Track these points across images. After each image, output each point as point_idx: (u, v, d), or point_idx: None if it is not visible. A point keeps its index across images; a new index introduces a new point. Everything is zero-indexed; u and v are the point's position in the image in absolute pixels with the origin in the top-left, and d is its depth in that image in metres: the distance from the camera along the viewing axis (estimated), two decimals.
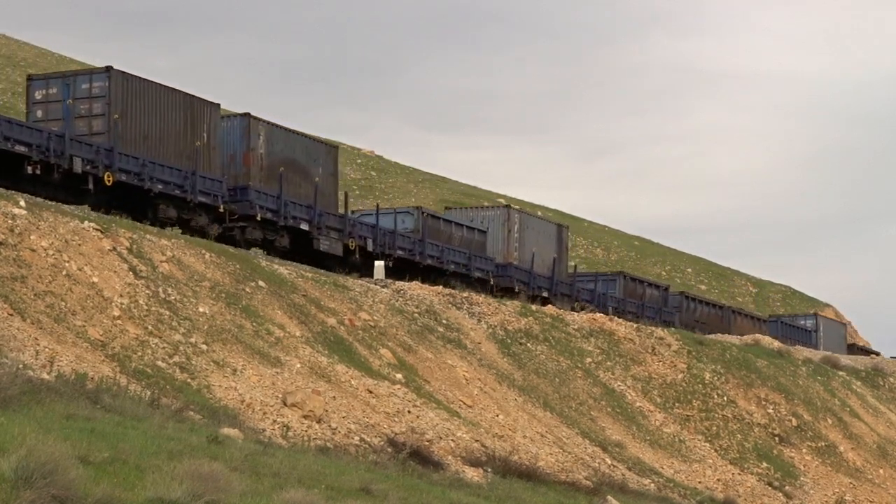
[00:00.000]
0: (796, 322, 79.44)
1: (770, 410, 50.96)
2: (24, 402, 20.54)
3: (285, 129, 46.05)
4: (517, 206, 65.58)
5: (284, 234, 44.60)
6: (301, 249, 44.97)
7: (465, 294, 46.45)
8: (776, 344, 61.93)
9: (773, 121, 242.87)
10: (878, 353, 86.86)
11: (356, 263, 47.03)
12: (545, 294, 56.46)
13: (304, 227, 45.28)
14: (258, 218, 43.27)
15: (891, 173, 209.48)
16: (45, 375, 23.65)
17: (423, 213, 52.86)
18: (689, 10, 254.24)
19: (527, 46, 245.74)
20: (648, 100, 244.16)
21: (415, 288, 44.25)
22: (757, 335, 64.42)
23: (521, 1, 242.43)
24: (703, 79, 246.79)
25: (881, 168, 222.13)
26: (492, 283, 53.47)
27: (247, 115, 44.58)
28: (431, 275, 50.40)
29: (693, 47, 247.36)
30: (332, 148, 49.80)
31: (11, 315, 26.49)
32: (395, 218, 51.35)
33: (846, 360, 66.71)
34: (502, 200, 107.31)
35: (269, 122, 45.14)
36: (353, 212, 52.50)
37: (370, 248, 48.04)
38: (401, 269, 48.80)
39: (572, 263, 72.76)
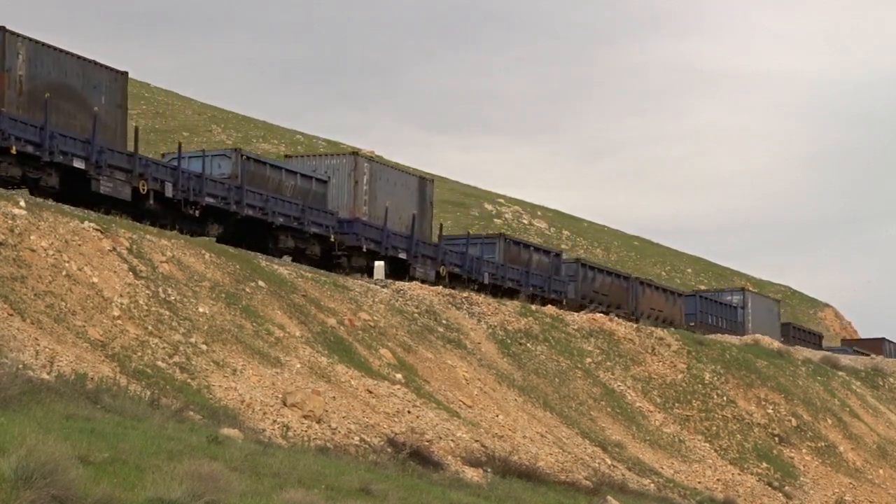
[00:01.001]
0: (720, 298, 73.06)
1: (770, 410, 50.96)
2: (24, 402, 20.53)
3: (55, 48, 38.93)
4: (368, 156, 57.94)
5: (52, 172, 37.70)
6: (76, 192, 38.09)
7: (465, 294, 46.43)
8: (776, 344, 61.93)
9: (772, 121, 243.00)
10: (821, 336, 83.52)
11: (153, 211, 40.17)
12: (402, 255, 49.37)
13: (79, 164, 38.39)
14: (13, 151, 36.49)
15: (890, 173, 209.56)
16: (45, 375, 23.65)
17: (242, 155, 45.29)
18: (689, 11, 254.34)
19: (526, 47, 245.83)
20: (648, 100, 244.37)
21: (415, 288, 44.25)
22: (757, 335, 64.47)
23: (521, 1, 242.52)
24: (702, 79, 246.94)
25: (881, 168, 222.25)
26: (333, 240, 46.82)
27: (1, 28, 37.26)
28: (257, 230, 44.18)
29: (693, 47, 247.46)
30: (119, 74, 41.13)
31: (11, 315, 26.49)
32: (204, 161, 43.93)
33: (846, 360, 66.70)
34: (502, 200, 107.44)
35: (32, 40, 38.11)
36: (163, 155, 46.46)
37: (169, 193, 41.02)
38: (214, 220, 42.56)
39: (447, 224, 68.23)
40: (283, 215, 44.98)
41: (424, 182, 53.29)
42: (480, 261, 53.38)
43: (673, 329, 56.72)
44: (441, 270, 50.35)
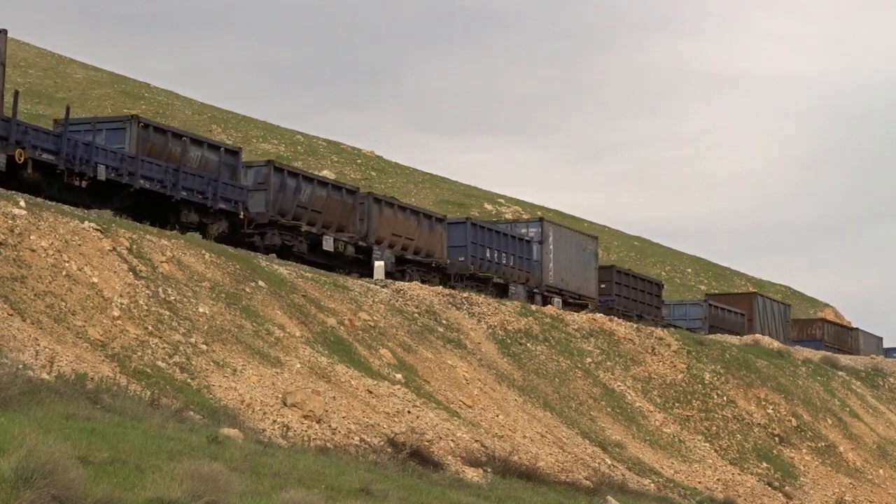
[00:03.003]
0: (512, 230, 56.27)
1: (770, 410, 50.96)
2: (24, 402, 20.53)
3: None
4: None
5: None
6: None
7: (466, 294, 46.44)
8: (776, 344, 61.95)
9: (772, 123, 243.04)
10: (660, 283, 70.34)
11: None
12: None
13: None
14: None
15: (889, 175, 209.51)
16: (45, 375, 23.65)
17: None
18: (690, 13, 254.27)
19: (527, 48, 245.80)
20: (649, 101, 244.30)
21: (415, 288, 44.25)
22: (757, 335, 64.53)
23: (522, 2, 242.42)
24: (703, 81, 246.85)
25: (880, 170, 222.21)
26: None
27: None
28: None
29: (693, 50, 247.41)
30: None
31: (11, 315, 26.49)
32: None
33: (846, 360, 66.72)
34: (502, 200, 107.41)
35: None
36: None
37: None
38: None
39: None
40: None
41: None
42: (93, 149, 38.80)
43: (673, 329, 56.73)
44: (18, 155, 36.46)
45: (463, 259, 52.67)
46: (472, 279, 52.25)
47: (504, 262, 54.59)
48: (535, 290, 55.89)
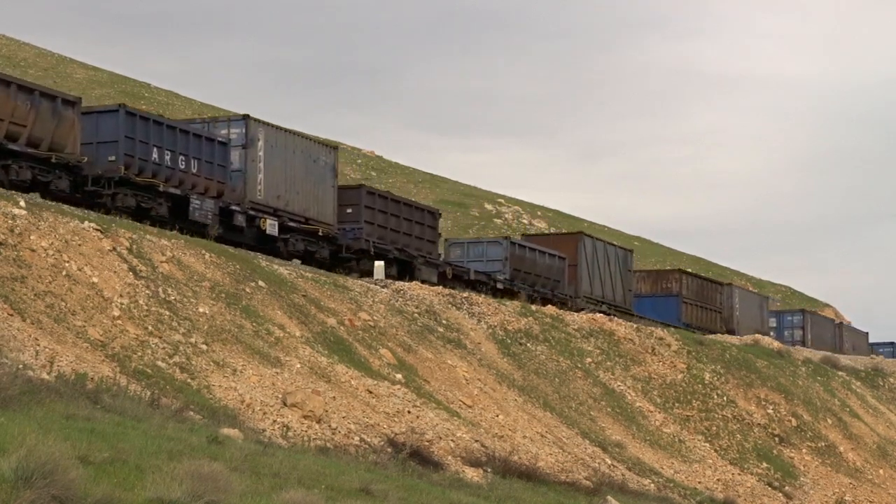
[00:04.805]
0: (211, 130, 44.15)
1: (770, 410, 50.97)
2: (24, 402, 20.53)
3: None
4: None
5: None
6: None
7: (465, 294, 46.46)
8: (776, 344, 61.95)
9: (772, 123, 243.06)
10: (435, 212, 54.66)
11: None
12: None
13: None
14: None
15: (889, 175, 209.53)
16: (45, 375, 23.65)
17: None
18: (690, 14, 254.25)
19: (527, 48, 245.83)
20: (649, 102, 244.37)
21: (415, 288, 44.27)
22: (757, 335, 64.48)
23: (522, 3, 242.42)
24: (703, 81, 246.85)
25: (879, 170, 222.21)
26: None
27: None
28: None
29: (693, 50, 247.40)
30: None
31: (11, 315, 26.49)
32: None
33: (846, 359, 66.73)
34: (502, 201, 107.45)
35: None
36: None
37: None
38: None
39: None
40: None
41: None
42: None
43: (674, 328, 56.71)
44: None
45: (113, 158, 39.39)
46: (125, 185, 39.23)
47: (182, 166, 41.35)
48: (235, 208, 42.74)
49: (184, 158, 41.36)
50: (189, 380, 28.31)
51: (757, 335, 64.58)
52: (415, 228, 51.21)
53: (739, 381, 51.84)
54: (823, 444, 50.97)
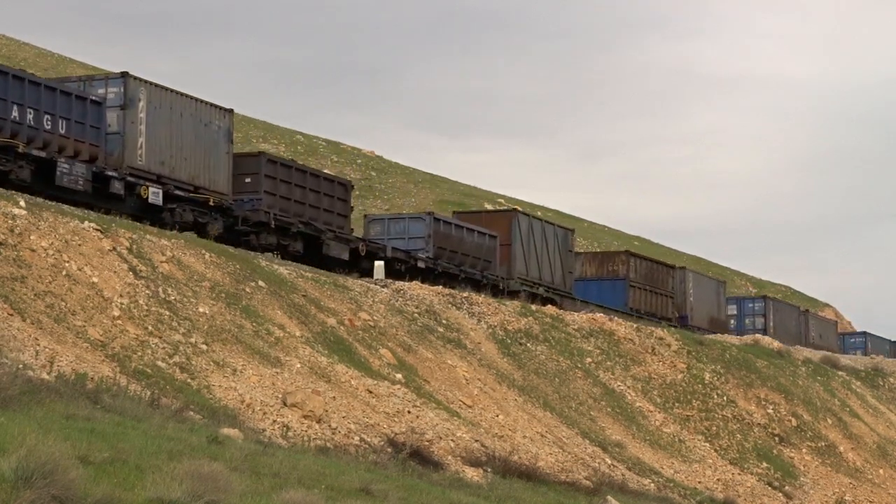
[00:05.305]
0: (88, 89, 40.24)
1: (770, 410, 50.97)
2: (24, 402, 20.54)
3: None
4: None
5: None
6: None
7: (465, 294, 46.45)
8: (776, 344, 61.94)
9: (772, 123, 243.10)
10: (347, 183, 49.17)
11: None
12: None
13: None
14: None
15: (889, 175, 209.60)
16: (45, 375, 23.65)
17: None
18: (689, 14, 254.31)
19: (527, 49, 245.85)
20: (649, 102, 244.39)
21: (415, 288, 44.27)
22: (757, 335, 64.46)
23: (521, 3, 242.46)
24: (703, 82, 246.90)
25: (880, 170, 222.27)
26: None
27: None
28: None
29: (693, 50, 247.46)
30: None
31: (11, 315, 26.50)
32: None
33: (846, 359, 66.73)
34: (502, 201, 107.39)
35: None
36: None
37: None
38: None
39: None
40: None
41: None
42: None
43: (673, 328, 56.67)
44: None
45: None
46: None
47: (48, 127, 37.80)
48: (112, 173, 39.24)
49: (49, 118, 37.90)
50: (189, 380, 28.32)
51: (756, 335, 64.54)
52: (323, 201, 46.98)
53: (739, 381, 51.84)
54: (823, 443, 50.97)
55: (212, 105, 43.62)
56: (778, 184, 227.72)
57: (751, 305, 77.85)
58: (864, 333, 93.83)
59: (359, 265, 46.95)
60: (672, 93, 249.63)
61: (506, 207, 64.27)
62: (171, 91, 41.95)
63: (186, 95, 42.64)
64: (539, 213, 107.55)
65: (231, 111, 44.22)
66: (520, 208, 62.25)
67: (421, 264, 50.36)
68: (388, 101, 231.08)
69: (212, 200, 42.30)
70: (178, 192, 41.20)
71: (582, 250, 77.98)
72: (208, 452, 19.88)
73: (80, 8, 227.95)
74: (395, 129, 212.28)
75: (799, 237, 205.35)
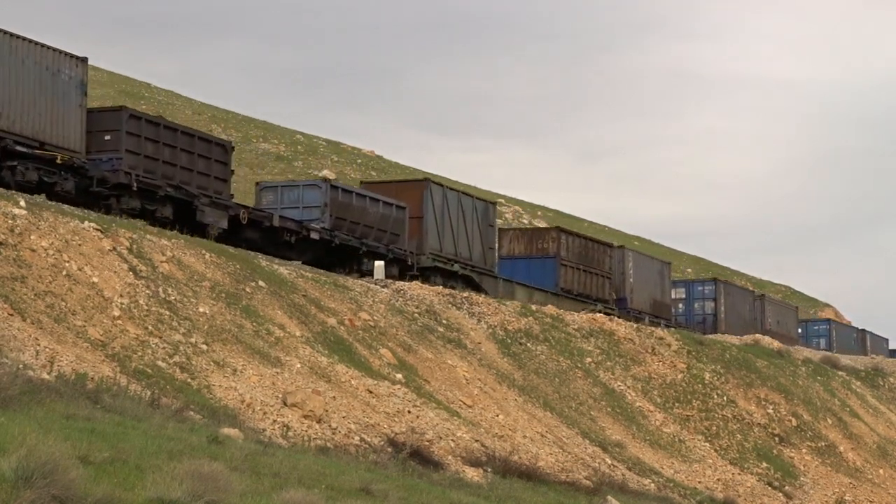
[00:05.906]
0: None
1: (770, 410, 50.98)
2: (24, 402, 20.54)
3: None
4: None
5: None
6: None
7: (466, 294, 46.45)
8: (776, 344, 61.95)
9: (772, 124, 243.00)
10: (226, 144, 43.95)
11: None
12: None
13: None
14: None
15: (890, 176, 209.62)
16: (45, 375, 23.66)
17: None
18: (688, 15, 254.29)
19: (526, 49, 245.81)
20: (649, 103, 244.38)
21: (415, 288, 44.28)
22: (757, 335, 64.45)
23: (521, 4, 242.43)
24: (702, 82, 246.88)
25: (880, 171, 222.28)
26: None
27: None
28: None
29: (692, 51, 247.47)
30: None
31: (11, 315, 26.51)
32: None
33: (846, 359, 66.75)
34: (502, 200, 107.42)
35: None
36: None
37: None
38: None
39: None
40: None
41: None
42: None
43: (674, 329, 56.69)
44: None
45: None
46: None
47: None
48: None
49: None
50: (189, 380, 28.33)
51: (756, 335, 64.45)
52: (198, 163, 41.84)
53: (739, 381, 51.84)
54: (823, 443, 50.98)
55: (62, 52, 38.66)
56: (778, 184, 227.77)
57: (700, 289, 72.89)
58: (828, 321, 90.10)
59: (242, 235, 42.58)
60: (672, 93, 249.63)
61: (419, 178, 57.80)
62: (10, 34, 37.14)
63: (29, 40, 37.72)
64: (539, 213, 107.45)
65: (85, 59, 39.39)
66: (432, 179, 56.05)
67: (315, 235, 45.88)
68: (388, 101, 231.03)
69: (60, 158, 37.67)
70: (19, 148, 36.76)
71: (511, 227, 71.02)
72: (208, 452, 19.89)
73: (80, 8, 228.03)
74: (395, 129, 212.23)
75: (799, 237, 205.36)
